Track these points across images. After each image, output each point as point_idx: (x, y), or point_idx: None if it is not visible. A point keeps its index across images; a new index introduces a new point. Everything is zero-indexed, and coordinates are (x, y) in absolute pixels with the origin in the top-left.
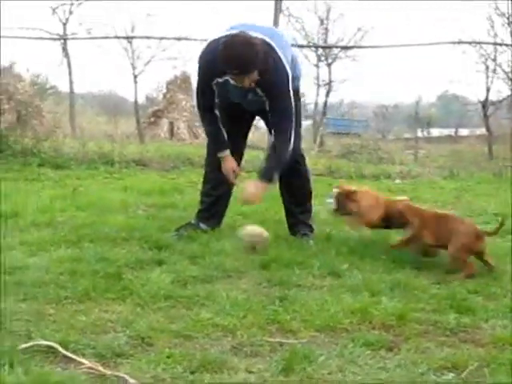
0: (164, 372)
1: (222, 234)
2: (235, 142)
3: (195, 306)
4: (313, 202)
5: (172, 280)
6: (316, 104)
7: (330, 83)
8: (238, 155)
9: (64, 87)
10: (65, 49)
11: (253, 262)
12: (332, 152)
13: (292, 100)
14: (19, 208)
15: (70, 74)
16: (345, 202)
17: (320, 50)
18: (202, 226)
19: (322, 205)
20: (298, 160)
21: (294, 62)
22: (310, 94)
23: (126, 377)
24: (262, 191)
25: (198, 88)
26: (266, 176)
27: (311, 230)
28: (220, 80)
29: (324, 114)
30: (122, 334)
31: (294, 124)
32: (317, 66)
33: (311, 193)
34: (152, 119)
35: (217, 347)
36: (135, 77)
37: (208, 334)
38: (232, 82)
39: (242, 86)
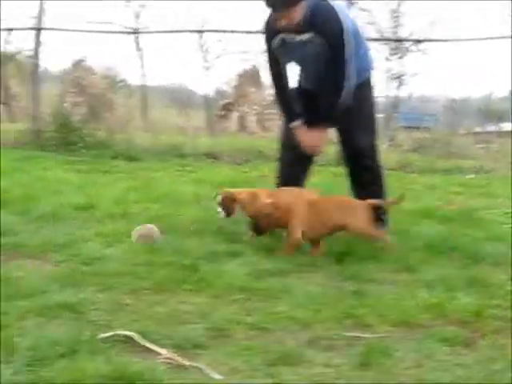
0: (242, 364)
1: None
2: None
3: (271, 299)
4: (385, 197)
5: (247, 272)
6: (387, 98)
7: (400, 77)
8: None
9: (134, 80)
10: (137, 42)
11: (326, 255)
12: (403, 146)
13: (346, 52)
14: (94, 200)
15: (142, 67)
16: (231, 207)
17: (391, 44)
18: None
19: None
20: (369, 155)
21: (365, 54)
22: (381, 88)
23: (205, 368)
24: (317, 135)
25: (267, 57)
26: (319, 120)
27: (383, 225)
28: (276, 41)
29: (395, 107)
30: (199, 326)
31: (345, 74)
32: (388, 59)
33: (383, 189)
34: (222, 112)
35: (293, 340)
36: (206, 70)
37: (284, 327)
38: (287, 38)
39: (298, 42)
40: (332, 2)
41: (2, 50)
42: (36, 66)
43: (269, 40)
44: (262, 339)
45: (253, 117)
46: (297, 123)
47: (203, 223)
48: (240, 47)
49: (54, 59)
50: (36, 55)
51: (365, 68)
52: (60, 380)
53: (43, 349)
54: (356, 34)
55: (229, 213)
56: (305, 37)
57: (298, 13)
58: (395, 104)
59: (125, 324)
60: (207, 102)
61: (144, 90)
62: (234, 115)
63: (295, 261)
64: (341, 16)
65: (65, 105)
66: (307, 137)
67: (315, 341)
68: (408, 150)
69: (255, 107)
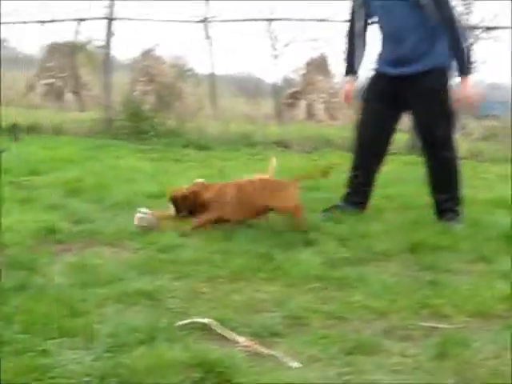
0: (320, 352)
1: (368, 217)
2: None
3: (346, 288)
4: (461, 188)
5: (322, 261)
6: (457, 85)
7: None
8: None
9: (202, 69)
10: (206, 31)
11: (401, 245)
12: (473, 135)
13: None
14: (166, 188)
15: (211, 55)
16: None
17: None
18: (349, 208)
19: None
20: (447, 146)
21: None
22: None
23: (283, 356)
24: (469, 86)
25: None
26: (463, 72)
27: (457, 214)
28: None
29: None
30: (275, 314)
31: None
32: None
33: (458, 179)
34: (290, 100)
35: (369, 330)
36: (274, 58)
37: (360, 317)
38: None
39: None
40: None
41: (73, 39)
42: (108, 55)
43: None
44: (338, 328)
45: (320, 105)
46: (348, 78)
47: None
48: (308, 35)
49: (123, 48)
50: (108, 45)
51: (441, 51)
52: (140, 366)
53: (122, 335)
54: None
55: (177, 210)
56: None
57: None
58: None
59: (201, 312)
60: (275, 90)
61: (213, 78)
62: (302, 103)
63: (370, 250)
64: None
65: (134, 94)
66: (463, 91)
67: (391, 330)
68: (478, 138)
69: (323, 95)
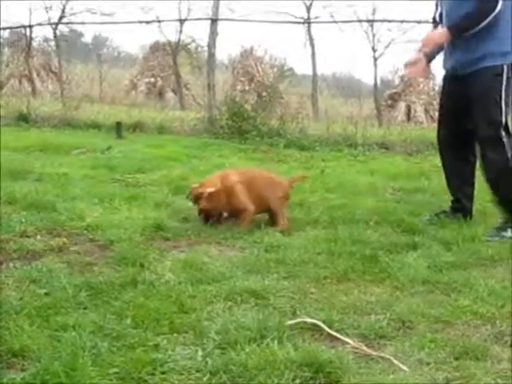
0: (428, 356)
1: (472, 221)
2: None
3: (453, 293)
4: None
5: (428, 265)
6: None
7: None
8: None
9: (301, 69)
10: (309, 32)
11: (507, 250)
12: None
13: None
14: None
15: (313, 56)
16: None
17: None
18: (455, 214)
19: None
20: (489, 147)
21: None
22: None
23: (392, 359)
24: (439, 33)
25: None
26: (450, 28)
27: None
28: None
29: None
30: (382, 316)
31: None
32: None
33: (508, 183)
34: (389, 102)
35: (477, 335)
36: (375, 60)
37: (467, 321)
38: None
39: None
40: None
41: (176, 39)
42: (211, 55)
43: None
44: (445, 332)
45: (420, 107)
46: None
47: (381, 214)
48: (408, 36)
49: (223, 47)
50: (212, 45)
51: (491, 49)
52: (251, 364)
53: (232, 333)
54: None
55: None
56: None
57: None
58: None
59: (309, 312)
60: (375, 91)
61: (314, 79)
62: (401, 105)
63: (476, 254)
64: None
65: (235, 93)
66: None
67: (500, 336)
68: None
69: (423, 97)
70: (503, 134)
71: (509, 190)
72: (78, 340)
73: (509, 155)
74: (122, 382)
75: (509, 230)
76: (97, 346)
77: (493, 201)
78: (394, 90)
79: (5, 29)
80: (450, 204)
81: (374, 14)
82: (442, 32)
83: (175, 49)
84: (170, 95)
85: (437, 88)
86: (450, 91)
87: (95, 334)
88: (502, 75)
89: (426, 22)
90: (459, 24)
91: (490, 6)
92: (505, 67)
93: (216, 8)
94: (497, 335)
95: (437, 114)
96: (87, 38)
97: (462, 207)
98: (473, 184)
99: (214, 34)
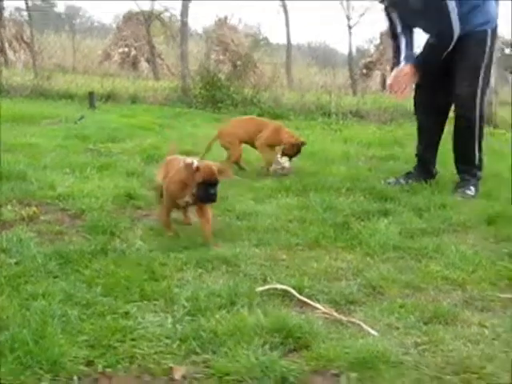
0: (397, 321)
1: (443, 187)
2: None
3: (424, 258)
4: (478, 153)
5: (399, 231)
6: None
7: None
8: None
9: (276, 39)
10: (283, 1)
11: (478, 216)
12: None
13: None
14: (243, 155)
15: (287, 24)
16: None
17: None
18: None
19: None
20: (466, 105)
21: (477, 9)
22: None
23: (362, 323)
24: (405, 74)
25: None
26: (410, 60)
27: (471, 180)
28: None
29: None
30: (353, 282)
31: (450, 20)
32: None
33: (474, 143)
34: (364, 71)
35: (448, 300)
36: (350, 28)
37: (438, 287)
38: None
39: None
40: None
41: (149, 8)
42: (184, 24)
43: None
44: (415, 298)
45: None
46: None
47: (354, 181)
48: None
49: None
50: (184, 13)
51: (476, 22)
52: (221, 330)
53: (202, 300)
54: None
55: None
56: None
57: None
58: None
59: (280, 278)
60: (350, 60)
61: (288, 47)
62: (376, 74)
63: (447, 221)
64: None
65: (209, 63)
66: (396, 74)
67: (470, 301)
68: None
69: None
70: (478, 94)
71: (470, 149)
72: (47, 308)
73: (477, 114)
74: (92, 350)
75: (472, 187)
76: (66, 314)
77: (456, 160)
78: (369, 59)
79: None
80: (415, 165)
81: None
82: (408, 72)
83: (148, 18)
84: (143, 65)
85: None
86: None
87: (65, 303)
88: (486, 40)
89: None
90: (425, 58)
91: (448, 34)
92: (489, 31)
93: None
94: (467, 300)
95: None
96: (60, 8)
97: (426, 170)
98: (436, 150)
99: (186, 2)
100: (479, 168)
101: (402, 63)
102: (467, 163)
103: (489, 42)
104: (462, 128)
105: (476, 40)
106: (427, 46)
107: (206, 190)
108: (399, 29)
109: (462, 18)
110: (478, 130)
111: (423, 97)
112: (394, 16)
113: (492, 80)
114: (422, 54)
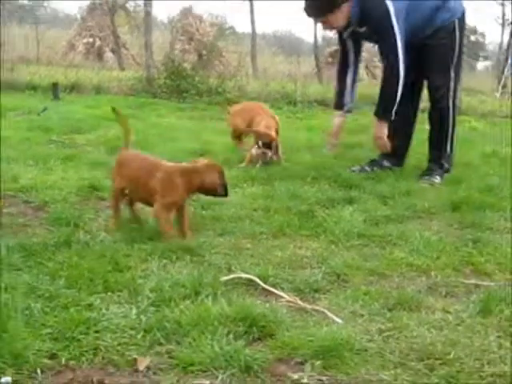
0: (362, 308)
1: (408, 175)
2: None
3: (388, 245)
4: (449, 144)
5: (364, 219)
6: (501, 44)
7: None
8: None
9: (242, 28)
10: None
11: (443, 203)
12: None
13: (396, 35)
14: (208, 146)
15: (251, 13)
16: None
17: None
18: (386, 163)
19: None
20: (438, 95)
21: (441, 6)
22: (491, 34)
23: (326, 311)
24: (381, 130)
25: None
26: (379, 115)
27: (438, 169)
28: (345, 34)
29: (508, 54)
30: (317, 270)
31: (400, 60)
32: (502, 4)
33: (447, 133)
34: (330, 59)
35: (412, 286)
36: None
37: (402, 273)
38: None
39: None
40: None
41: None
42: (148, 14)
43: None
44: (380, 285)
45: (360, 64)
46: (337, 113)
47: (319, 169)
48: None
49: (162, 7)
50: (148, 3)
51: (443, 18)
52: (185, 320)
53: (167, 290)
54: None
55: None
56: (363, 29)
57: (340, 18)
58: (508, 51)
59: (245, 267)
60: (315, 49)
61: (253, 36)
62: None
63: (411, 208)
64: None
65: (174, 52)
66: (374, 132)
67: (434, 287)
68: None
69: (363, 54)
70: (451, 84)
71: (442, 138)
72: (10, 301)
73: (450, 104)
74: (55, 342)
75: (438, 176)
76: (30, 307)
77: (429, 149)
78: (335, 48)
79: None
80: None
81: None
82: (381, 127)
83: (113, 8)
84: (108, 55)
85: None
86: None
87: (28, 296)
88: (454, 31)
89: None
90: (384, 108)
91: (395, 75)
92: (456, 22)
93: None
94: (431, 286)
95: (378, 71)
96: None
97: (392, 155)
98: (409, 136)
99: None
100: (448, 161)
101: (346, 107)
102: (437, 153)
103: (457, 33)
104: (435, 118)
105: (445, 32)
106: (382, 87)
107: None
108: (352, 57)
109: (427, 21)
110: (452, 120)
111: None
112: (350, 44)
113: None
114: (379, 102)
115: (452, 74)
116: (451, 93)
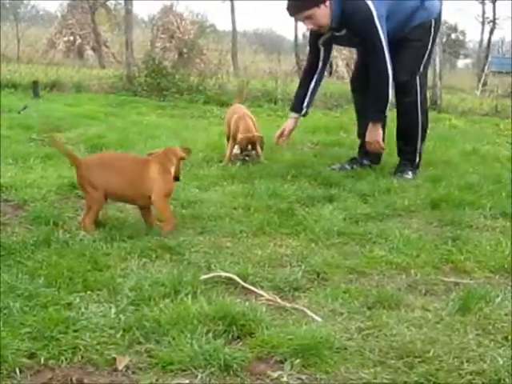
0: (341, 306)
1: (388, 173)
2: None
3: (368, 243)
4: (420, 140)
5: (344, 217)
6: (481, 42)
7: (494, 21)
8: None
9: (223, 26)
10: None
11: (422, 201)
12: (495, 92)
13: (380, 36)
14: (189, 144)
15: (232, 11)
16: None
17: None
18: (365, 161)
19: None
20: (405, 91)
21: (419, 6)
22: (471, 32)
23: (306, 310)
24: (375, 133)
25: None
26: (371, 118)
27: (411, 166)
28: (321, 41)
29: (488, 52)
30: (297, 269)
31: (386, 61)
32: (482, 2)
33: (414, 127)
34: None
35: (392, 284)
36: None
37: (382, 271)
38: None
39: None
40: None
41: None
42: (129, 12)
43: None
44: (360, 283)
45: (341, 61)
46: (294, 115)
47: (299, 168)
48: None
49: (143, 5)
50: (129, 1)
51: (421, 17)
52: (164, 319)
53: (146, 289)
54: None
55: None
56: (342, 33)
57: (325, 14)
58: (488, 49)
59: (225, 266)
60: (296, 47)
61: (234, 34)
62: None
63: (391, 206)
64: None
65: (155, 51)
66: (368, 136)
67: (413, 285)
68: (501, 95)
69: (344, 52)
70: (418, 81)
71: (410, 133)
72: None
73: (418, 98)
74: (34, 342)
75: (410, 172)
76: (9, 306)
77: (398, 144)
78: None
79: None
80: (358, 150)
81: None
82: (375, 130)
83: (93, 6)
84: (89, 53)
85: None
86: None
87: (7, 295)
88: (430, 30)
89: None
90: (377, 110)
91: (384, 77)
92: (432, 21)
93: None
94: (411, 284)
95: None
96: None
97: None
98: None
99: None
100: (419, 156)
101: (304, 110)
102: (408, 148)
103: (432, 32)
104: (403, 112)
105: (422, 30)
106: (372, 90)
107: None
108: (320, 65)
109: (408, 20)
110: (421, 115)
111: (363, 80)
112: (321, 52)
113: (437, 65)
114: (372, 106)
115: (421, 70)
116: (418, 88)
